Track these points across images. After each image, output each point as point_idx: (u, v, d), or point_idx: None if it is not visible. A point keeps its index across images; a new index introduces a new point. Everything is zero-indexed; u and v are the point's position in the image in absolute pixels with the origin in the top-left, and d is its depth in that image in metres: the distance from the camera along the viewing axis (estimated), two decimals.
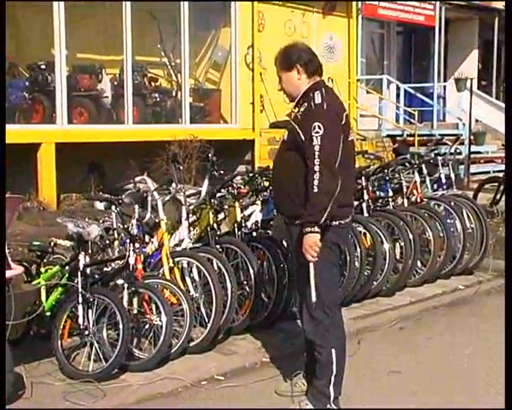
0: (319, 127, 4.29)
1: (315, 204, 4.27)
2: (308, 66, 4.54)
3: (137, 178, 6.44)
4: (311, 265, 4.34)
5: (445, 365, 5.60)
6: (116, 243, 6.24)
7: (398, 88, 18.96)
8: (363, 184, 7.68)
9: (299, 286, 4.73)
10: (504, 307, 5.01)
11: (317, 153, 4.27)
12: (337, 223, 4.45)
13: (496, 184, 12.05)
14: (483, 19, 21.81)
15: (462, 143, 15.21)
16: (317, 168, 4.26)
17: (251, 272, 6.03)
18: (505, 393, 4.18)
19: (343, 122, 4.44)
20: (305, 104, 4.48)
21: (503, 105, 20.58)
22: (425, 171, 8.58)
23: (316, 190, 4.25)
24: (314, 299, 4.36)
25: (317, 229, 4.27)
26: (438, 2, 19.60)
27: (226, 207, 6.74)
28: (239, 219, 6.58)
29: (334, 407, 4.55)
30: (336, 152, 4.33)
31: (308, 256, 4.31)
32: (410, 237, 7.44)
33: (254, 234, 6.68)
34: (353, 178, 4.93)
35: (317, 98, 4.43)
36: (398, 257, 7.49)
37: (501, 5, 19.67)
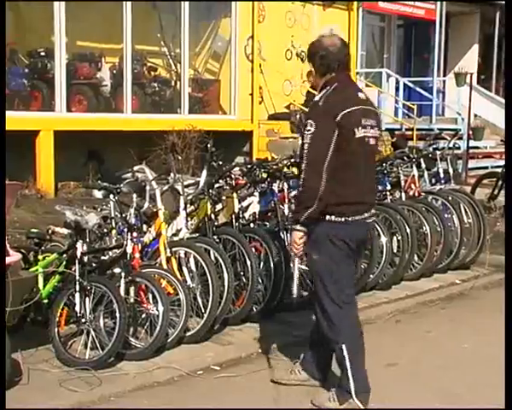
0: (310, 125, 4.31)
1: (297, 202, 4.42)
2: (319, 63, 4.52)
3: (136, 168, 6.43)
4: (296, 259, 4.49)
5: (441, 358, 5.62)
6: (114, 231, 6.24)
7: (397, 82, 18.93)
8: None
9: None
10: (504, 306, 5.02)
11: (305, 151, 4.31)
12: (341, 219, 4.40)
13: (494, 179, 12.07)
14: (484, 13, 21.75)
15: (460, 138, 15.20)
16: (303, 166, 4.32)
17: (248, 263, 6.04)
18: (505, 393, 4.20)
19: (338, 119, 4.30)
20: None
21: (503, 100, 20.61)
22: (423, 165, 8.59)
23: (300, 188, 4.34)
24: (294, 291, 4.48)
25: (298, 227, 4.37)
26: None
27: (224, 197, 6.75)
28: (236, 210, 6.59)
29: (357, 403, 4.51)
30: (325, 151, 4.28)
31: (291, 251, 4.42)
32: (408, 230, 7.46)
33: (252, 225, 6.70)
34: (364, 176, 4.52)
35: (318, 96, 4.43)
36: (395, 251, 7.51)
37: None
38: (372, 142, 4.54)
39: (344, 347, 4.49)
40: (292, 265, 4.45)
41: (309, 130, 4.29)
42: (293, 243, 4.42)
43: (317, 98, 4.42)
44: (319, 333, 4.74)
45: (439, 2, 19.45)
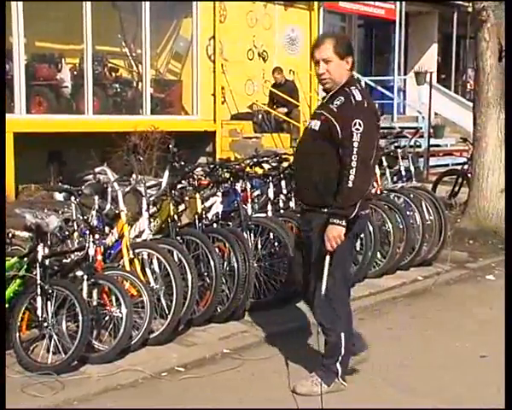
0: (360, 124, 4.40)
1: (347, 199, 4.42)
2: (353, 62, 4.65)
3: (97, 169, 6.37)
4: (328, 255, 4.51)
5: (406, 354, 5.66)
6: (76, 234, 6.18)
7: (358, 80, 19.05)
8: None
9: (315, 271, 4.71)
10: (504, 304, 5.11)
11: (355, 149, 4.38)
12: (363, 213, 4.64)
13: (454, 176, 12.23)
14: (442, 13, 22.02)
15: (421, 136, 15.35)
16: (354, 164, 4.38)
17: (211, 263, 6.02)
18: (505, 393, 4.25)
19: (376, 118, 4.59)
20: (342, 98, 4.54)
21: (462, 99, 20.89)
22: (385, 163, 8.64)
23: (350, 185, 4.39)
24: (323, 290, 4.51)
25: (344, 223, 4.44)
26: None
27: (187, 198, 6.73)
28: (200, 211, 6.57)
29: (343, 382, 4.73)
30: (373, 150, 4.49)
31: (328, 246, 4.47)
32: (370, 228, 7.48)
33: (215, 225, 6.68)
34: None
35: (358, 95, 4.53)
36: (357, 249, 7.53)
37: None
38: None
39: (342, 335, 4.67)
40: (324, 262, 4.49)
41: (358, 129, 4.40)
42: (335, 239, 4.44)
43: (358, 98, 4.51)
44: None
45: (398, 2, 19.63)
